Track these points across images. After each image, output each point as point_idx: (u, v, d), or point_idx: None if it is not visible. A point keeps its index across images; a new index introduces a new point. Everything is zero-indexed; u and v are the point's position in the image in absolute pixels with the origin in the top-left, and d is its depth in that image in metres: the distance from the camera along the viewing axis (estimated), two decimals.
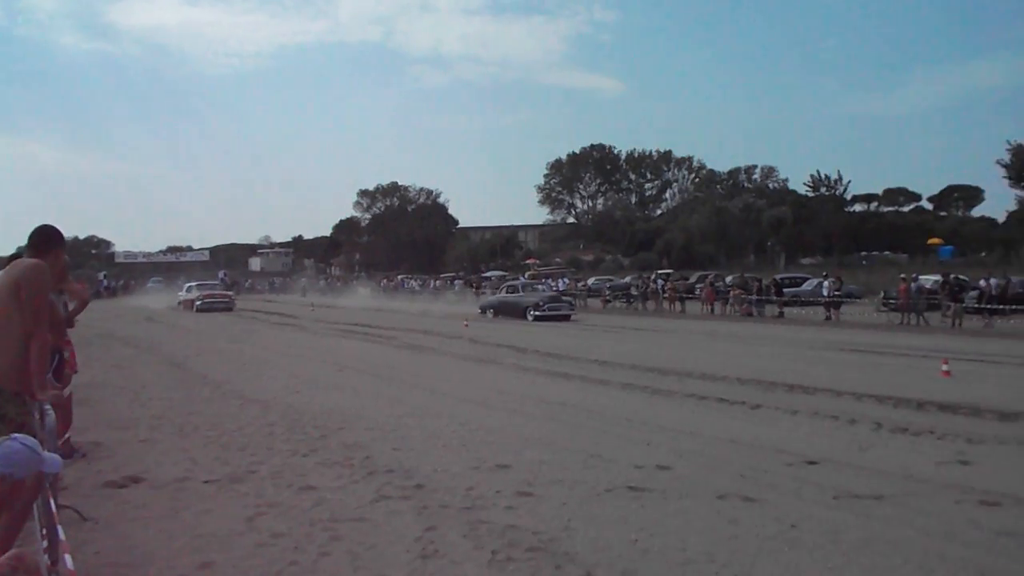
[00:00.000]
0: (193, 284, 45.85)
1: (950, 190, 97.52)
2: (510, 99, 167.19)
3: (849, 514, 5.92)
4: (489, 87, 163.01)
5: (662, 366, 14.77)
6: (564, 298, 34.50)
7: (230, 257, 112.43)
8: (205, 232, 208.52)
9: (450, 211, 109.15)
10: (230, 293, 45.43)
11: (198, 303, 40.84)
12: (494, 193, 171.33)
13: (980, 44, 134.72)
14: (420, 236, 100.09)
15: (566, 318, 30.84)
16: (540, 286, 39.07)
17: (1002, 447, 8.20)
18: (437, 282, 64.07)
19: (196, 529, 5.75)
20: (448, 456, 7.93)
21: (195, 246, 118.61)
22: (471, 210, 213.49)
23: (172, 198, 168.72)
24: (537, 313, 30.36)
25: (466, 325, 26.11)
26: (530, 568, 4.91)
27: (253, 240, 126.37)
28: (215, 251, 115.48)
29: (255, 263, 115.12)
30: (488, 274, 67.28)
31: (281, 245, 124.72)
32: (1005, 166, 78.89)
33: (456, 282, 61.83)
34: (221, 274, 68.58)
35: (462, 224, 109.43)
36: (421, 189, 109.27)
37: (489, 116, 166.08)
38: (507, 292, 35.25)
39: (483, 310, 34.38)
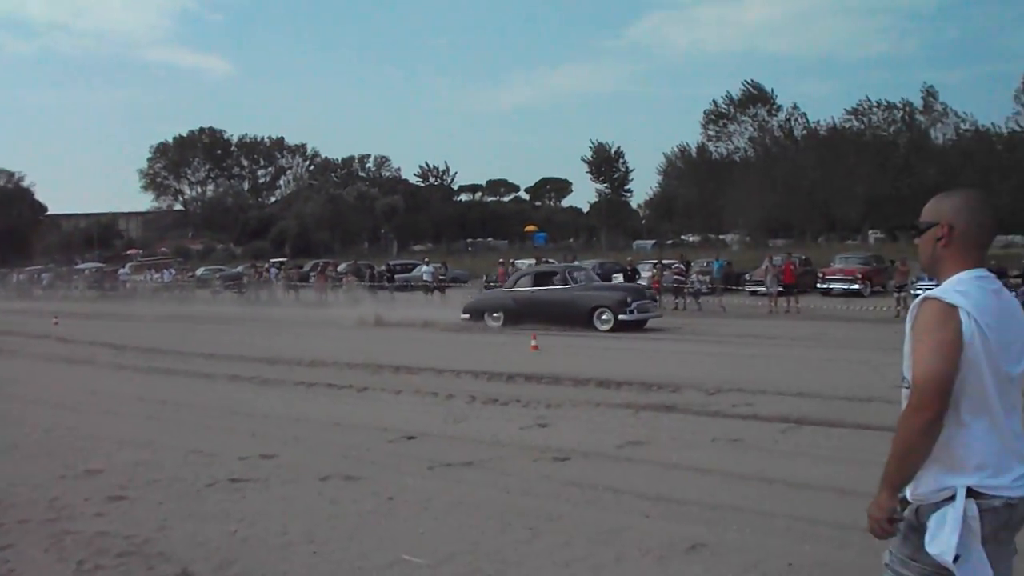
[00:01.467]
0: None
1: (544, 182, 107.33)
2: (108, 75, 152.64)
3: (442, 481, 6.39)
4: (83, 61, 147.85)
5: (272, 355, 14.66)
6: (648, 291, 22.50)
7: None
8: None
9: (37, 196, 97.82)
10: None
11: None
12: (90, 178, 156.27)
13: (569, 51, 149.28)
14: (0, 224, 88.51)
15: (641, 324, 19.42)
16: (580, 271, 22.73)
17: (574, 409, 9.33)
18: (21, 276, 57.18)
19: None
20: (29, 466, 7.22)
21: None
22: (63, 196, 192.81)
23: None
24: (623, 317, 18.66)
25: (56, 323, 23.67)
26: (120, 573, 4.69)
27: None
28: None
29: None
30: (82, 266, 61.44)
31: None
32: (588, 162, 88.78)
33: (44, 275, 55.68)
34: None
35: (52, 211, 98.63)
36: (1, 171, 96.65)
37: (84, 93, 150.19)
38: (535, 282, 21.03)
39: (478, 314, 21.27)
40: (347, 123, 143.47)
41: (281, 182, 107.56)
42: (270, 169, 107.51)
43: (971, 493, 2.28)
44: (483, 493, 6.05)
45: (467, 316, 21.36)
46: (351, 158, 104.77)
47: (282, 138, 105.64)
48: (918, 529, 2.35)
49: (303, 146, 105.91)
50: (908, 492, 2.39)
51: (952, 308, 2.28)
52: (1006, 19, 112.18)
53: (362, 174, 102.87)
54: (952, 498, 2.29)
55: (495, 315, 20.70)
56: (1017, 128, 69.88)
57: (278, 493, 6.19)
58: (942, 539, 2.26)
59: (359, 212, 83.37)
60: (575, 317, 19.17)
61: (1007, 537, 2.38)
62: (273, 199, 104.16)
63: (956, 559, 2.23)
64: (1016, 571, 2.49)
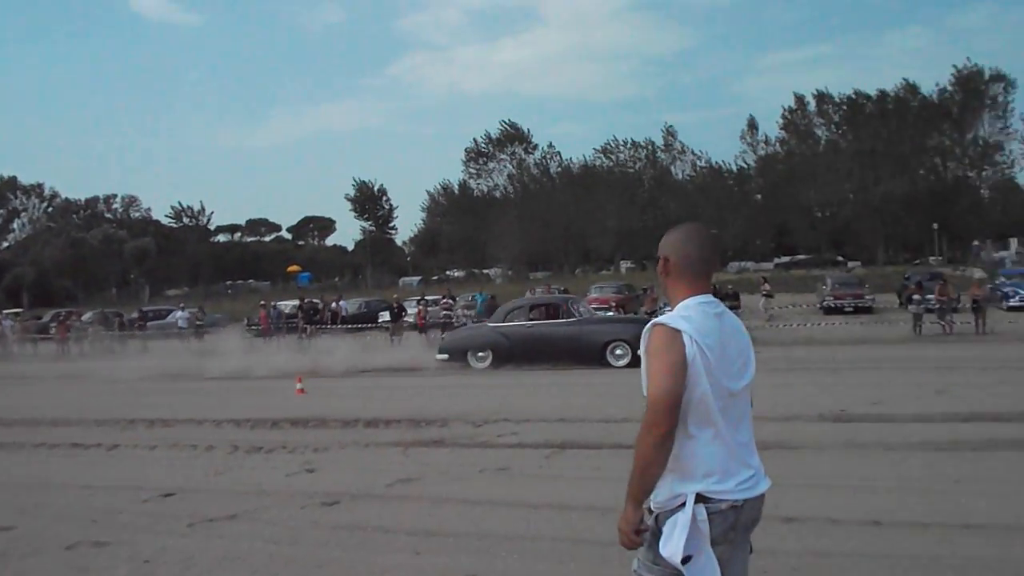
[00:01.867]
0: None
1: (307, 221, 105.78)
2: None
3: (203, 538, 6.07)
4: None
5: (6, 416, 13.31)
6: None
7: None
8: None
9: None
10: None
11: None
12: None
13: (330, 89, 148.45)
14: None
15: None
16: (580, 302, 21.15)
17: (343, 451, 9.20)
18: None
19: None
20: None
21: None
22: None
23: None
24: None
25: None
26: None
27: None
28: None
29: None
30: None
31: None
32: (352, 200, 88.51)
33: None
34: None
35: None
36: None
37: None
38: (531, 315, 18.83)
39: (459, 354, 18.71)
40: (90, 161, 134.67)
41: (15, 225, 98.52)
42: (1, 211, 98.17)
43: (700, 498, 2.51)
44: (248, 546, 5.82)
45: (445, 356, 18.85)
46: (95, 198, 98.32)
47: (15, 177, 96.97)
48: (658, 535, 2.55)
49: (39, 186, 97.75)
50: (651, 502, 2.59)
51: (676, 332, 2.51)
52: (734, 68, 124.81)
53: (108, 215, 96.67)
54: (684, 504, 2.51)
55: (480, 354, 18.45)
56: (744, 165, 77.69)
57: (16, 568, 5.63)
58: (672, 542, 2.47)
59: (105, 256, 78.15)
60: (584, 353, 17.46)
61: (737, 537, 2.62)
62: (6, 244, 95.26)
63: (686, 560, 2.44)
64: (755, 570, 2.75)
